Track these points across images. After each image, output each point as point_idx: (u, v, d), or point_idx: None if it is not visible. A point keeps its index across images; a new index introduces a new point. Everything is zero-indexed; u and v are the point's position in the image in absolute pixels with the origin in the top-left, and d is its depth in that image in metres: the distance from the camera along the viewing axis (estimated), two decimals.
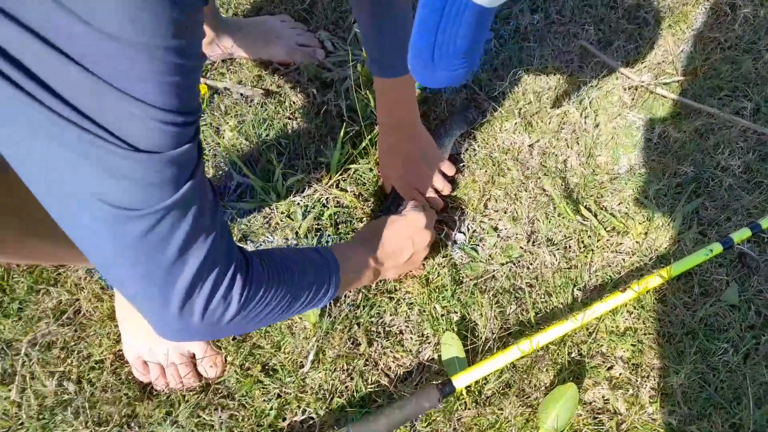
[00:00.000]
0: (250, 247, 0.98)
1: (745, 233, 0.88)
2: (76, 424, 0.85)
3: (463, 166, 1.05)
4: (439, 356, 0.86)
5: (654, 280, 0.83)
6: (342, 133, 1.02)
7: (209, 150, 1.07)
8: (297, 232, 0.98)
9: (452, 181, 1.02)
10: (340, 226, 0.99)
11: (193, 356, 0.89)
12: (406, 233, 0.86)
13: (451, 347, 0.83)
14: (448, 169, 1.01)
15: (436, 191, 0.99)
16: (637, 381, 0.84)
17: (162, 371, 0.88)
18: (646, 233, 0.96)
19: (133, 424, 0.85)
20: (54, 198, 0.46)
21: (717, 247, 0.86)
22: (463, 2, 0.44)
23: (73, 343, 0.91)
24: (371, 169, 1.03)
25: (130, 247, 0.48)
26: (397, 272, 0.89)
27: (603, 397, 0.84)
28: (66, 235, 0.49)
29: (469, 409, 0.83)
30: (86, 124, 0.41)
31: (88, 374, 0.89)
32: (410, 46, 0.50)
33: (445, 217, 1.00)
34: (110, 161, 0.43)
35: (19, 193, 0.50)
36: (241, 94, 1.13)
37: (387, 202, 0.99)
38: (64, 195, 0.45)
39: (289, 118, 1.10)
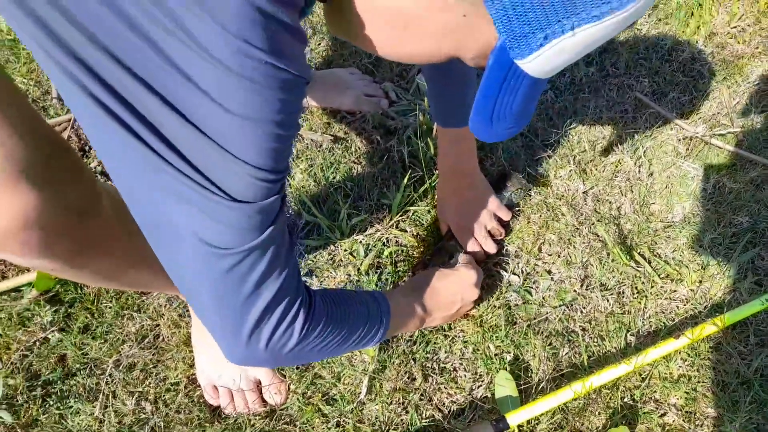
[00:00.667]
0: (315, 282, 1.05)
1: None
2: None
3: (519, 210, 1.09)
4: (492, 395, 0.89)
5: (708, 328, 0.85)
6: (405, 179, 1.09)
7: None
8: (359, 269, 1.04)
9: (506, 227, 1.07)
10: (398, 264, 1.05)
11: (260, 383, 0.95)
12: (456, 288, 0.91)
13: (505, 386, 0.87)
14: (504, 214, 1.06)
15: (490, 234, 1.04)
16: (690, 429, 0.84)
17: (230, 396, 0.95)
18: (700, 281, 0.97)
19: None
20: (158, 231, 0.54)
21: None
22: (520, 77, 0.50)
23: (151, 366, 1.00)
24: (429, 212, 1.09)
25: (217, 279, 0.55)
26: (442, 322, 0.94)
27: None
28: (156, 267, 0.58)
29: None
30: (195, 175, 0.49)
31: (164, 395, 0.97)
32: (472, 110, 0.57)
33: (500, 259, 1.04)
34: (212, 207, 0.51)
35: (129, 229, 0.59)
36: (312, 140, 1.22)
37: (439, 244, 1.05)
38: (169, 232, 0.53)
39: (355, 163, 1.18)
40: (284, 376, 0.96)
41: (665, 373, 0.89)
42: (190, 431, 0.92)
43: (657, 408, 0.86)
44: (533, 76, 0.49)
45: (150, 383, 0.98)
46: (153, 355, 1.01)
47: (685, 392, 0.87)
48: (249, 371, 0.94)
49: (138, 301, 1.06)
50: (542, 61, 0.47)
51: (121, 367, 0.99)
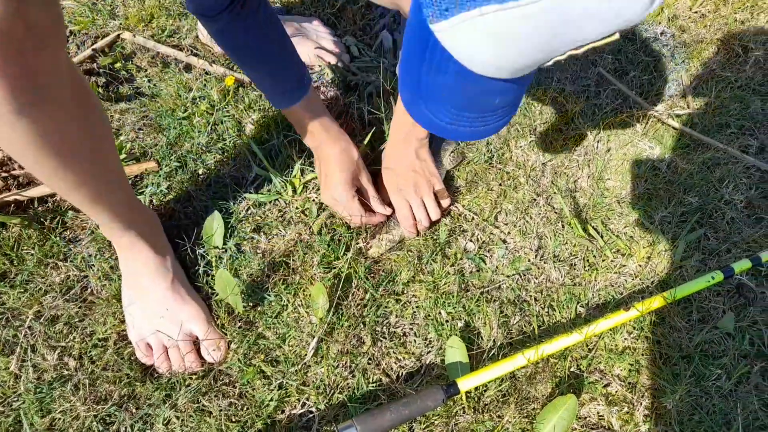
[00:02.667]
0: (263, 239, 0.99)
1: (745, 264, 0.91)
2: (74, 400, 0.85)
3: (477, 178, 1.07)
4: (442, 361, 0.88)
5: (656, 302, 0.86)
6: (367, 138, 1.04)
7: (231, 141, 1.09)
8: (311, 228, 0.99)
9: (443, 213, 1.03)
10: (352, 227, 1.00)
11: (197, 339, 0.89)
12: (342, 178, 0.96)
13: (456, 351, 0.85)
14: (445, 200, 1.02)
15: (427, 213, 1.01)
16: (632, 399, 0.86)
17: (165, 353, 0.88)
18: (649, 257, 0.98)
19: (131, 405, 0.85)
20: None
21: (718, 275, 0.89)
22: (440, 52, 0.45)
23: (77, 320, 0.92)
24: None
25: None
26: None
27: (598, 413, 0.86)
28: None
29: (468, 414, 0.84)
30: None
31: (90, 351, 0.89)
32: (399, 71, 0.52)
33: (456, 226, 1.01)
34: None
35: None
36: None
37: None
38: None
39: None
40: (225, 334, 0.90)
41: (611, 345, 0.90)
42: (117, 390, 0.85)
43: (601, 378, 0.87)
44: (453, 56, 0.44)
45: (75, 338, 0.90)
46: (79, 308, 0.92)
47: (629, 364, 0.88)
48: (185, 326, 0.88)
49: (65, 249, 0.97)
50: (455, 36, 0.42)
51: (42, 320, 0.91)
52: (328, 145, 0.96)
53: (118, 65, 1.17)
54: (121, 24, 1.23)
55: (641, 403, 0.85)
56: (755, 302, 0.93)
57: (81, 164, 0.69)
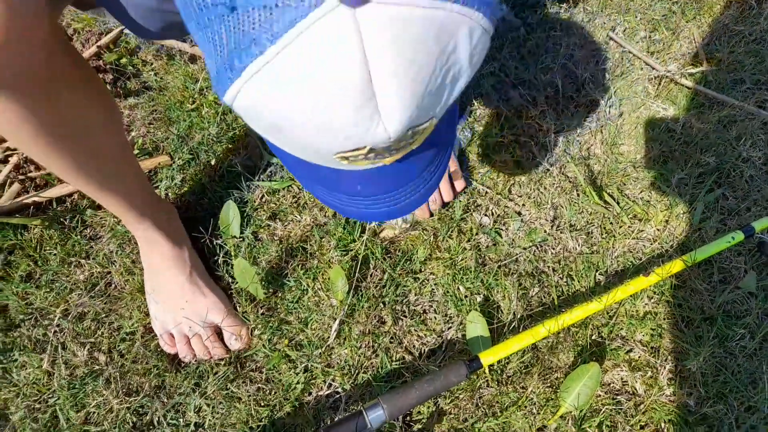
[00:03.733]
0: (279, 226, 1.00)
1: (765, 222, 0.90)
2: (107, 394, 0.87)
3: (490, 150, 1.06)
4: (463, 336, 0.88)
5: (676, 266, 0.85)
6: None
7: (240, 130, 1.09)
8: (326, 211, 1.00)
9: (456, 194, 1.02)
10: None
11: (219, 329, 0.91)
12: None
13: (476, 326, 0.85)
14: (459, 182, 1.00)
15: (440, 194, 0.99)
16: (656, 363, 0.86)
17: (188, 342, 0.90)
18: (667, 221, 0.97)
19: (162, 395, 0.88)
20: None
21: (739, 235, 0.88)
22: None
23: (104, 315, 0.94)
24: None
25: None
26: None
27: (622, 378, 0.86)
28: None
29: (491, 387, 0.85)
30: None
31: (118, 345, 0.91)
32: None
33: (471, 201, 1.01)
34: None
35: None
36: None
37: None
38: None
39: None
40: (248, 321, 0.92)
41: (632, 311, 0.90)
42: (148, 381, 0.88)
43: (624, 345, 0.87)
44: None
45: (103, 333, 0.92)
46: (105, 304, 0.94)
47: (651, 329, 0.88)
48: (207, 317, 0.90)
49: (86, 247, 0.99)
50: (241, 105, 0.39)
51: (70, 317, 0.93)
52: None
53: (123, 60, 1.17)
54: None
55: (665, 367, 0.86)
56: None
57: (88, 144, 0.68)
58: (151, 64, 1.18)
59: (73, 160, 0.67)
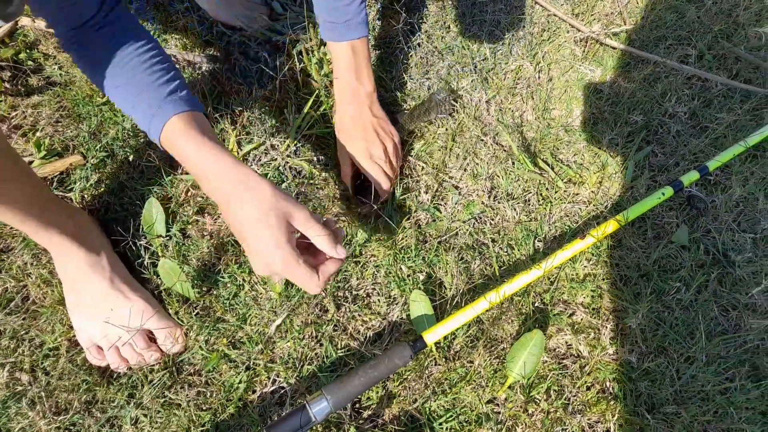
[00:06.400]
0: (208, 221, 0.95)
1: (693, 176, 0.91)
2: (32, 416, 0.81)
3: (421, 124, 1.03)
4: (408, 316, 0.86)
5: (610, 226, 0.85)
6: (308, 103, 0.99)
7: None
8: None
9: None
10: (299, 197, 0.97)
11: (151, 333, 0.86)
12: (267, 237, 0.64)
13: (420, 304, 0.84)
14: (399, 149, 0.96)
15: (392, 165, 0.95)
16: (597, 324, 0.87)
17: (118, 352, 0.84)
18: (600, 182, 0.98)
19: (94, 410, 0.82)
20: None
21: (668, 191, 0.89)
22: None
23: (23, 332, 0.87)
24: (331, 135, 1.01)
25: None
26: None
27: (566, 342, 0.86)
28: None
29: (440, 364, 0.84)
30: None
31: (42, 363, 0.85)
32: None
33: (407, 179, 0.99)
34: None
35: None
36: (188, 61, 1.07)
37: (360, 181, 0.96)
38: None
39: (240, 84, 1.05)
40: (181, 323, 0.87)
41: (572, 275, 0.90)
42: (77, 398, 0.82)
43: (566, 309, 0.88)
44: None
45: (23, 351, 0.85)
46: (23, 319, 0.87)
47: (591, 290, 0.89)
48: (133, 322, 0.84)
49: None
50: None
51: None
52: (227, 185, 0.65)
53: (22, 56, 1.08)
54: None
55: (606, 327, 0.86)
56: (706, 212, 0.94)
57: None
58: (54, 57, 1.09)
59: None
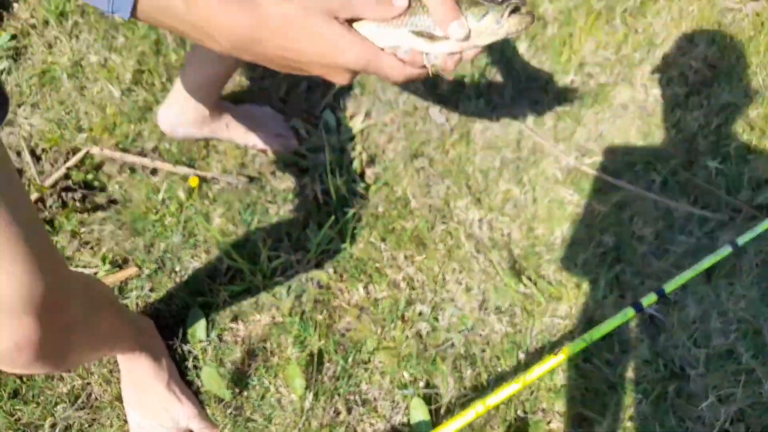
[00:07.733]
0: (241, 327, 1.12)
1: (652, 298, 1.07)
2: None
3: (423, 240, 1.21)
4: (408, 420, 1.02)
5: (579, 345, 1.01)
6: (328, 222, 1.17)
7: (201, 236, 1.21)
8: (282, 310, 1.13)
9: None
10: (318, 305, 1.14)
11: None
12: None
13: (418, 411, 1.00)
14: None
15: None
16: None
17: None
18: (576, 298, 1.14)
19: None
20: None
21: (630, 312, 1.05)
22: None
23: (87, 425, 1.04)
24: (346, 249, 1.19)
25: None
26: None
27: None
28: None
29: None
30: None
31: None
32: None
33: (410, 292, 1.16)
34: None
35: None
36: (228, 182, 1.27)
37: None
38: None
39: (270, 203, 1.25)
40: (217, 421, 1.04)
41: (550, 385, 1.06)
42: None
43: (544, 417, 1.03)
44: None
45: None
46: (88, 414, 1.05)
47: (566, 400, 1.04)
48: (182, 424, 1.01)
49: None
50: None
51: (57, 430, 1.03)
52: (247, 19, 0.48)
53: (90, 177, 1.28)
54: (87, 136, 1.34)
55: None
56: (666, 329, 1.10)
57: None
58: (116, 178, 1.30)
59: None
